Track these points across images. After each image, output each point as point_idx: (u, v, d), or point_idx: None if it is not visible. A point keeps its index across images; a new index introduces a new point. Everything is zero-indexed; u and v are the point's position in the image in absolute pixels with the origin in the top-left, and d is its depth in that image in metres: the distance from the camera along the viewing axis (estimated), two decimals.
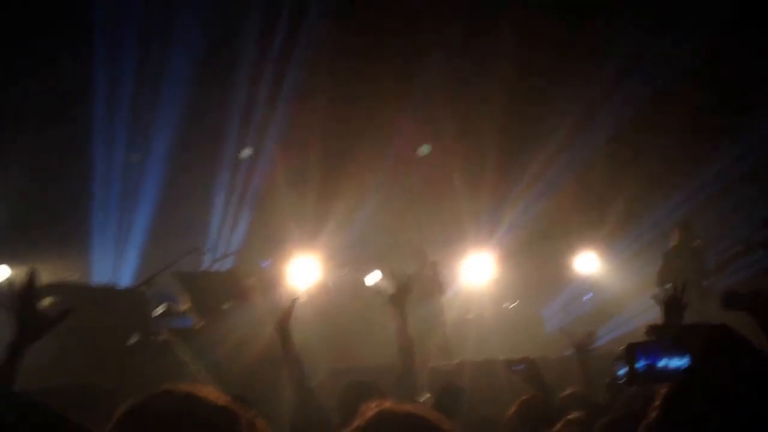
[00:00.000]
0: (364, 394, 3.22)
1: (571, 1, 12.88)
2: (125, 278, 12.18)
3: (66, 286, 9.09)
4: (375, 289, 4.85)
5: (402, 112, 13.31)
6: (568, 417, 3.71)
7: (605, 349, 5.97)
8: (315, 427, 3.86)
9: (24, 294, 2.99)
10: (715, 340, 1.64)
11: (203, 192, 13.72)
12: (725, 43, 11.88)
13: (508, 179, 13.77)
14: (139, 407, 1.67)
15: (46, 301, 7.46)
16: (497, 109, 12.94)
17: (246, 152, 13.83)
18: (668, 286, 4.47)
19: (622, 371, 1.71)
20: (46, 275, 9.42)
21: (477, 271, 12.92)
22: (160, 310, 8.72)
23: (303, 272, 11.49)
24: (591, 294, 13.01)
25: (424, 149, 14.26)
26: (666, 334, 1.70)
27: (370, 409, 1.98)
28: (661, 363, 1.64)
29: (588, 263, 13.30)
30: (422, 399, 4.66)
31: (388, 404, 2.00)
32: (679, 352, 1.64)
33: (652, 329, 1.74)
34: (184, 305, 8.66)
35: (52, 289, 7.94)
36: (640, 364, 1.66)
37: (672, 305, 4.35)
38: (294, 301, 4.46)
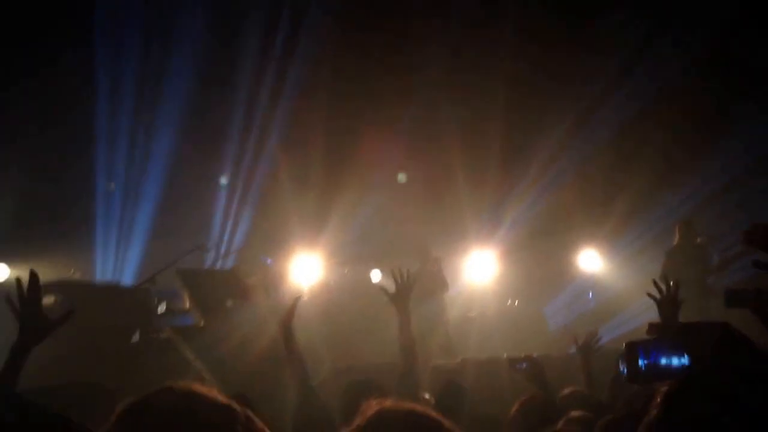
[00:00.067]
0: (366, 393, 3.21)
1: None
2: (128, 276, 12.20)
3: (68, 284, 9.10)
4: (377, 287, 4.82)
5: (404, 109, 13.30)
6: (570, 415, 3.71)
7: (607, 348, 5.96)
8: (317, 426, 3.85)
9: (27, 296, 3.00)
10: (716, 338, 1.64)
11: (205, 190, 13.73)
12: (729, 39, 11.86)
13: (510, 176, 13.77)
14: (139, 404, 1.67)
15: (49, 300, 7.49)
16: (500, 106, 12.93)
17: (224, 180, 13.92)
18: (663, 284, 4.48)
19: (623, 369, 1.70)
20: (49, 273, 9.46)
21: (479, 269, 12.93)
22: (162, 308, 8.72)
23: (305, 270, 11.50)
24: (593, 292, 13.02)
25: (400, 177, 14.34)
26: (667, 333, 1.70)
27: (371, 407, 1.97)
28: (662, 361, 1.64)
29: (590, 261, 13.30)
30: (424, 398, 4.66)
31: (388, 403, 1.99)
32: (680, 351, 1.63)
33: (653, 327, 1.73)
34: (186, 303, 8.66)
35: (54, 287, 7.96)
36: (641, 362, 1.65)
37: (667, 303, 4.36)
38: (297, 299, 4.46)
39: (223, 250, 12.74)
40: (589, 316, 11.85)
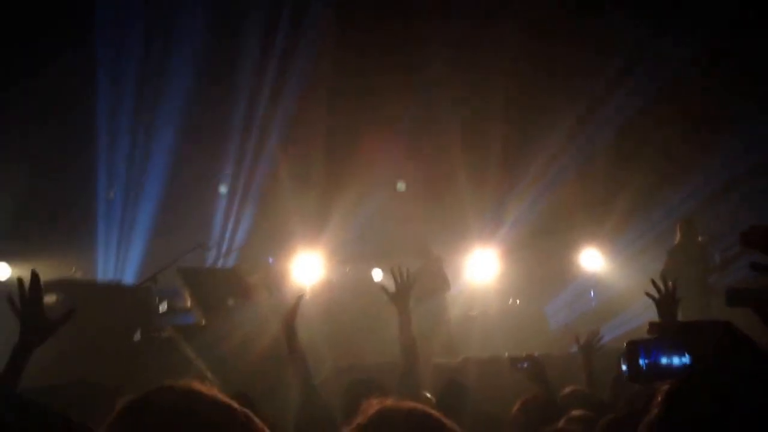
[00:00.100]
0: (367, 392, 3.21)
1: None
2: (129, 275, 12.21)
3: (70, 283, 9.10)
4: (378, 287, 4.80)
5: (406, 108, 13.30)
6: (571, 414, 3.70)
7: (609, 347, 5.95)
8: (319, 425, 3.85)
9: (28, 296, 3.00)
10: (717, 337, 1.63)
11: (206, 189, 13.74)
12: (730, 38, 11.84)
13: (511, 175, 13.77)
14: (139, 402, 1.66)
15: (50, 299, 7.49)
16: (501, 105, 12.93)
17: (223, 188, 13.91)
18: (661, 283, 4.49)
19: (624, 369, 1.70)
20: (50, 272, 9.46)
21: (481, 268, 12.93)
22: (163, 307, 8.72)
23: (306, 269, 11.50)
24: (594, 291, 13.01)
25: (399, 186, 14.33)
26: (668, 332, 1.69)
27: (372, 406, 1.97)
28: (663, 361, 1.63)
29: (592, 260, 13.30)
30: (425, 396, 4.65)
31: (389, 402, 1.99)
32: (681, 350, 1.63)
33: (654, 327, 1.73)
34: (187, 302, 8.66)
35: (55, 286, 7.96)
36: (642, 361, 1.65)
37: (666, 302, 4.37)
38: (300, 298, 4.46)
39: (224, 248, 12.74)
40: (591, 315, 11.85)
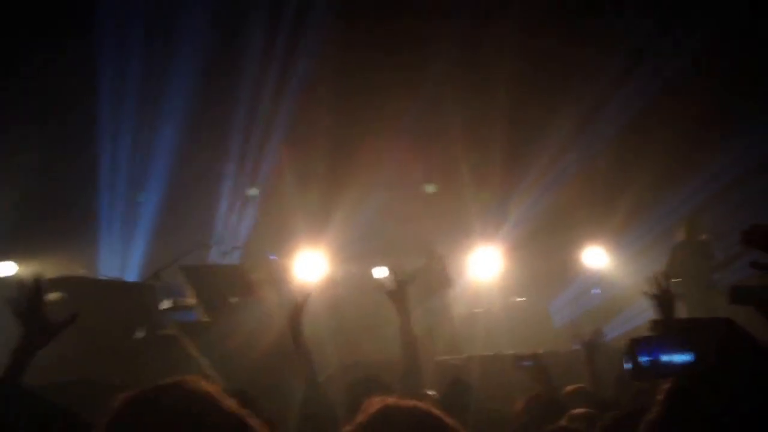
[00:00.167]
0: (370, 390, 3.21)
1: None
2: (132, 272, 12.21)
3: (73, 280, 9.09)
4: (378, 285, 4.79)
5: (409, 106, 13.28)
6: (573, 412, 3.70)
7: (614, 344, 5.95)
8: (322, 422, 3.85)
9: (30, 299, 3.00)
10: (719, 334, 1.63)
11: (210, 186, 13.74)
12: (736, 35, 11.81)
13: (515, 173, 13.75)
14: (138, 399, 1.66)
15: (54, 296, 7.49)
16: (505, 103, 12.91)
17: (254, 191, 13.89)
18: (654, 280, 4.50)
19: (625, 366, 1.70)
20: (53, 269, 9.48)
21: (484, 265, 12.92)
22: (166, 304, 8.72)
23: (310, 267, 11.51)
24: (598, 289, 12.99)
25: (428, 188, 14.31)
26: (669, 329, 1.69)
27: (374, 404, 1.97)
28: (665, 358, 1.64)
29: (596, 257, 13.28)
30: (428, 394, 4.65)
31: (391, 400, 1.99)
32: (683, 347, 1.63)
33: (656, 324, 1.73)
34: (190, 299, 8.67)
35: (58, 283, 7.96)
36: (644, 358, 1.65)
37: (662, 299, 4.37)
38: (307, 295, 4.46)
39: (227, 246, 12.74)
40: (595, 313, 11.83)
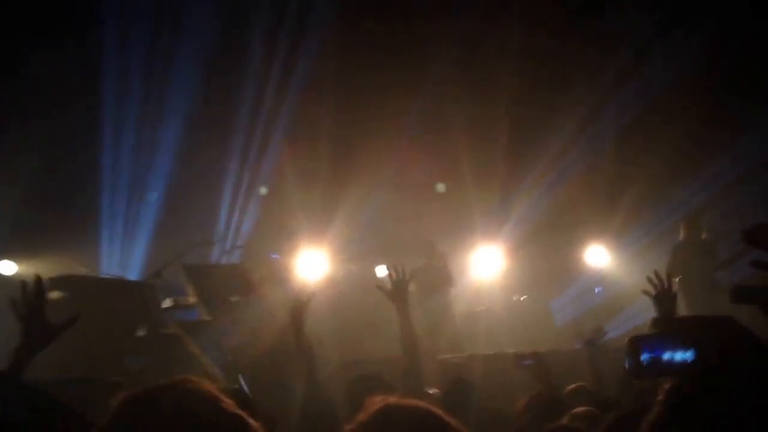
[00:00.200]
0: (371, 388, 3.20)
1: None
2: (133, 271, 12.21)
3: (74, 278, 9.10)
4: (377, 284, 4.76)
5: (410, 105, 13.28)
6: (575, 411, 3.70)
7: (617, 343, 5.94)
8: (322, 420, 3.85)
9: (31, 302, 2.99)
10: (720, 333, 1.63)
11: (212, 184, 13.74)
12: (740, 33, 11.79)
13: (517, 171, 13.73)
14: (137, 398, 1.66)
15: (54, 295, 7.50)
16: (507, 100, 12.90)
17: (263, 189, 13.88)
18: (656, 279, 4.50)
19: (627, 364, 1.70)
20: (55, 268, 9.48)
21: (486, 264, 12.91)
22: (168, 303, 8.72)
23: (312, 265, 11.50)
24: (600, 287, 12.98)
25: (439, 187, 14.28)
26: (670, 327, 1.69)
27: (375, 403, 1.97)
28: (666, 356, 1.63)
29: (598, 256, 13.27)
30: (430, 393, 4.64)
31: (392, 399, 1.98)
32: (684, 345, 1.62)
33: (657, 322, 1.73)
34: (191, 298, 8.67)
35: (60, 282, 7.97)
36: (644, 356, 1.65)
37: (663, 298, 4.37)
38: (312, 294, 4.47)
39: (228, 244, 12.74)
40: (597, 312, 11.82)
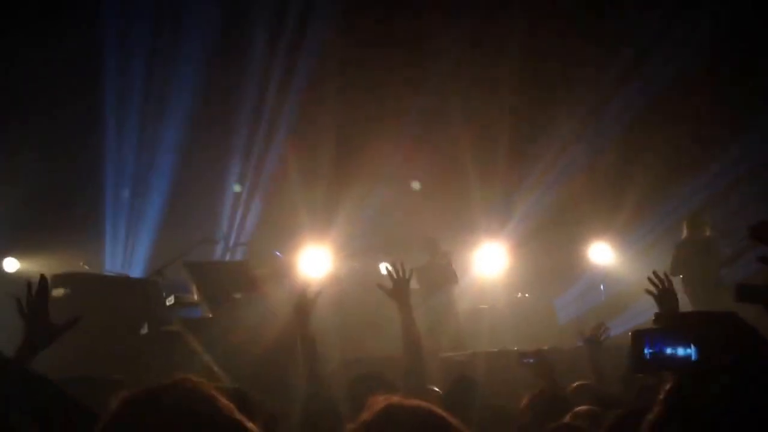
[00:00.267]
0: (373, 387, 3.19)
1: None
2: (137, 269, 12.23)
3: (77, 276, 9.12)
4: (377, 283, 4.74)
5: (413, 102, 13.27)
6: (577, 410, 3.69)
7: (619, 341, 5.92)
8: (324, 418, 3.84)
9: (35, 301, 2.99)
10: (723, 329, 1.62)
11: (215, 182, 13.75)
12: (743, 30, 11.77)
13: (520, 168, 13.73)
14: (139, 397, 1.66)
15: (58, 292, 7.50)
16: (510, 98, 12.89)
17: (237, 187, 13.89)
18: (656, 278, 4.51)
19: (629, 358, 1.70)
20: (58, 266, 9.50)
21: (489, 261, 12.90)
22: (170, 300, 8.72)
23: (315, 263, 11.50)
24: (603, 286, 12.97)
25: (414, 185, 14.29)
26: (673, 323, 1.68)
27: (378, 403, 1.96)
28: (668, 351, 1.62)
29: (601, 253, 13.26)
30: (432, 392, 4.63)
31: (395, 399, 1.98)
32: (686, 341, 1.62)
33: (660, 317, 1.73)
34: (194, 295, 8.67)
35: (63, 279, 7.98)
36: (646, 351, 1.64)
37: (665, 296, 4.37)
38: (319, 293, 4.46)
39: (232, 242, 12.75)
40: (601, 309, 11.81)
